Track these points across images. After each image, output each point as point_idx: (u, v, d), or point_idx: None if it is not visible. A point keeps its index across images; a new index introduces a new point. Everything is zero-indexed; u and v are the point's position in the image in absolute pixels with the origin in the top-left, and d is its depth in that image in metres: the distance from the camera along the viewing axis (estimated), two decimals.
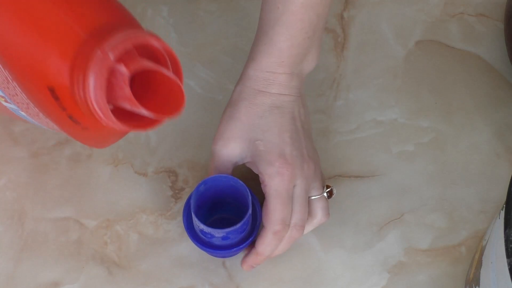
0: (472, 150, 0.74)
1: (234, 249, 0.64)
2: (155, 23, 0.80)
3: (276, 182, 0.62)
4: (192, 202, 0.63)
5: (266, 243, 0.64)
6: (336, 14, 0.81)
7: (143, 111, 0.49)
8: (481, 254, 0.59)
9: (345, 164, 0.73)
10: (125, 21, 0.51)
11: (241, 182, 0.64)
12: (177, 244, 0.69)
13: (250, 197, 0.63)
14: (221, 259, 0.69)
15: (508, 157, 0.74)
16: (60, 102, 0.50)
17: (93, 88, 0.47)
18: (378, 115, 0.76)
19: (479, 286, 0.58)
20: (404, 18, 0.82)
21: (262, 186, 0.64)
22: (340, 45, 0.79)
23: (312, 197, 0.66)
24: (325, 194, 0.67)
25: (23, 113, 0.60)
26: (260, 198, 0.69)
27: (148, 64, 0.48)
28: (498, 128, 0.75)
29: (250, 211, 0.63)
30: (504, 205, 0.51)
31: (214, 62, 0.79)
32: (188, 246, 0.69)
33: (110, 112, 0.48)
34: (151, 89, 0.50)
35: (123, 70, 0.47)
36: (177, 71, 0.50)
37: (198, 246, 0.65)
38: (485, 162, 0.74)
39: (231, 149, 0.64)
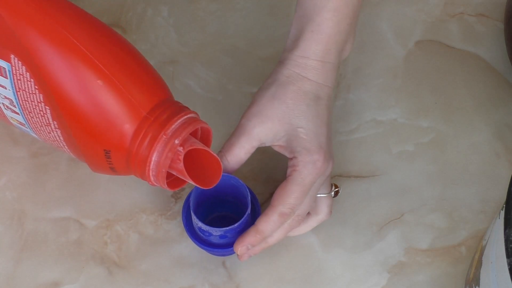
0: (472, 150, 0.74)
1: (231, 248, 0.64)
2: (155, 23, 0.80)
3: (307, 170, 0.62)
4: (191, 199, 0.63)
5: (269, 222, 0.63)
6: None
7: (191, 182, 0.59)
8: (481, 254, 0.59)
9: (345, 164, 0.73)
10: (168, 95, 0.61)
11: (241, 181, 0.64)
12: (177, 244, 0.69)
13: (249, 197, 0.63)
14: (221, 259, 0.69)
15: (508, 157, 0.74)
16: (110, 160, 0.60)
17: (155, 166, 0.59)
18: (378, 115, 0.76)
19: (479, 286, 0.58)
20: (404, 18, 0.82)
21: (289, 169, 0.63)
22: None
23: (320, 195, 0.66)
24: (332, 194, 0.67)
25: (33, 134, 0.66)
26: (261, 198, 0.69)
27: (199, 145, 0.59)
28: (498, 128, 0.75)
29: (249, 211, 0.63)
30: (504, 205, 0.51)
31: (214, 62, 0.79)
32: (188, 246, 0.69)
33: (165, 183, 0.60)
34: (194, 160, 0.61)
35: (180, 150, 0.58)
36: (207, 141, 0.62)
37: (196, 243, 0.65)
38: (485, 162, 0.74)
39: (267, 128, 0.63)
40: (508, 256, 0.50)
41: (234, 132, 0.64)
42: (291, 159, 0.63)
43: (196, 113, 0.61)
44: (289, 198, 0.63)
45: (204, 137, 0.62)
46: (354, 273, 0.68)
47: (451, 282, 0.68)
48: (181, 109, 0.60)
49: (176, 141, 0.58)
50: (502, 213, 0.52)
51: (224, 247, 0.65)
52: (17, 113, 0.63)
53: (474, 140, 0.75)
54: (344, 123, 0.75)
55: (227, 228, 0.62)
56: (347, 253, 0.69)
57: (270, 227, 0.63)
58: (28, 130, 0.65)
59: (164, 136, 0.58)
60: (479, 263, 0.59)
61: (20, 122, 0.64)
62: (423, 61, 0.79)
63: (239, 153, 0.64)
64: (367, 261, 0.69)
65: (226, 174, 0.64)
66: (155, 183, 0.60)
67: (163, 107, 0.59)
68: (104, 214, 0.70)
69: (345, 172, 0.73)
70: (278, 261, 0.69)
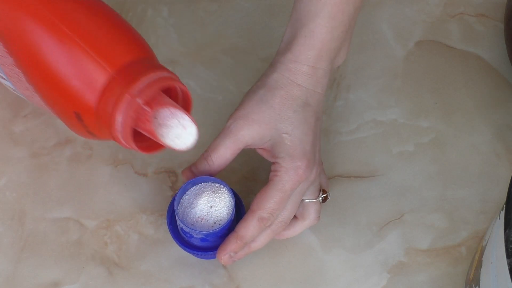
0: (472, 150, 0.74)
1: (211, 252, 0.64)
2: (155, 23, 0.80)
3: (288, 177, 0.62)
4: (176, 199, 0.63)
5: (249, 227, 0.63)
6: None
7: (162, 143, 0.56)
8: (481, 254, 0.59)
9: (345, 164, 0.73)
10: (146, 55, 0.58)
11: (228, 186, 0.64)
12: (177, 244, 0.69)
13: (234, 204, 0.63)
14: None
15: (508, 157, 0.74)
16: (83, 123, 0.57)
17: (121, 126, 0.55)
18: (378, 115, 0.76)
19: (479, 286, 0.58)
20: (404, 18, 0.82)
21: (271, 174, 0.63)
22: None
23: (307, 200, 0.66)
24: (320, 199, 0.66)
25: (8, 82, 0.64)
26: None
27: (169, 104, 0.56)
28: (498, 128, 0.75)
29: (231, 217, 0.63)
30: (504, 206, 0.51)
31: (214, 62, 0.79)
32: None
33: (133, 143, 0.56)
34: None
35: (148, 110, 0.55)
36: (187, 105, 0.59)
37: (177, 244, 0.65)
38: (485, 162, 0.74)
39: (253, 131, 0.63)
40: (508, 256, 0.50)
41: (220, 133, 0.64)
42: (274, 163, 0.63)
43: (173, 74, 0.58)
44: (268, 203, 0.62)
45: (185, 100, 0.59)
46: (354, 273, 0.68)
47: (451, 282, 0.68)
48: (154, 68, 0.57)
49: (139, 100, 0.54)
50: (502, 213, 0.52)
51: (204, 250, 0.65)
52: (5, 79, 0.62)
53: (474, 140, 0.75)
54: (344, 123, 0.75)
55: (208, 232, 0.62)
56: (347, 253, 0.69)
57: (250, 232, 0.63)
58: (23, 96, 0.63)
59: (128, 95, 0.54)
60: (479, 264, 0.59)
61: (11, 88, 0.63)
62: (423, 61, 0.79)
63: (224, 154, 0.64)
64: (367, 261, 0.69)
65: (214, 178, 0.64)
66: (127, 145, 0.57)
67: (136, 66, 0.56)
68: (104, 214, 0.70)
69: (345, 172, 0.73)
70: (278, 261, 0.69)
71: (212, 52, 0.79)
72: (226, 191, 0.64)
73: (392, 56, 0.79)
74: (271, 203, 0.62)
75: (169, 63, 0.78)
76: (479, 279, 0.58)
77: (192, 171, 0.65)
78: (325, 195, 0.67)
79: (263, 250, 0.67)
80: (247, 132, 0.63)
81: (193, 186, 0.64)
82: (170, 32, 0.80)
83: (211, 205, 0.64)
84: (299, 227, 0.67)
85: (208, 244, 0.64)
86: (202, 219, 0.63)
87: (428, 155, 0.74)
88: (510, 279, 0.49)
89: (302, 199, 0.65)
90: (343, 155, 0.74)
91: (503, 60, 0.79)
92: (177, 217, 0.63)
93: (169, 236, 0.69)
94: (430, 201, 0.72)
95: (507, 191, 0.52)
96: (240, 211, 0.66)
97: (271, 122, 0.63)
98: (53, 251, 0.69)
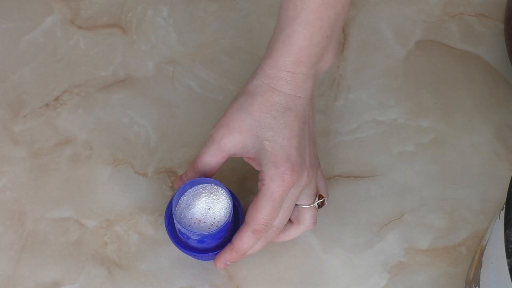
0: (472, 150, 0.74)
1: (209, 254, 0.64)
2: (155, 23, 0.80)
3: (275, 185, 0.62)
4: (173, 200, 0.63)
5: (244, 240, 0.63)
6: None
7: None
8: (481, 254, 0.59)
9: (345, 164, 0.73)
10: None
11: (226, 188, 0.64)
12: None
13: (232, 206, 0.63)
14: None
15: (508, 157, 0.74)
16: None
17: None
18: (378, 115, 0.76)
19: (479, 286, 0.58)
20: (404, 18, 0.82)
21: (259, 183, 0.63)
22: (340, 45, 0.79)
23: (303, 206, 0.65)
24: (316, 205, 0.66)
25: None
26: None
27: None
28: (498, 128, 0.75)
29: (228, 219, 0.63)
30: (504, 206, 0.51)
31: (214, 62, 0.79)
32: None
33: None
34: None
35: None
36: None
37: (175, 244, 0.65)
38: (485, 162, 0.74)
39: (234, 140, 0.63)
40: (508, 256, 0.50)
41: (206, 142, 0.65)
42: (260, 172, 0.63)
43: None
44: (260, 214, 0.62)
45: None
46: (354, 273, 0.68)
47: (451, 282, 0.68)
48: None
49: None
50: (502, 213, 0.52)
51: (201, 252, 0.65)
52: None
53: (474, 140, 0.75)
54: (344, 123, 0.75)
55: (205, 233, 0.62)
56: (347, 253, 0.69)
57: (245, 244, 0.63)
58: None
59: None
60: (479, 264, 0.59)
61: None
62: (423, 61, 0.79)
63: (209, 162, 0.64)
64: (367, 261, 0.69)
65: (212, 179, 0.64)
66: None
67: None
68: (104, 214, 0.70)
69: (345, 172, 0.73)
70: (278, 261, 0.69)
71: (212, 52, 0.79)
72: (224, 193, 0.64)
73: (392, 56, 0.79)
74: (263, 214, 0.62)
75: (169, 63, 0.78)
76: (479, 279, 0.58)
77: (183, 179, 0.66)
78: (321, 200, 0.66)
79: (263, 250, 0.67)
80: (229, 141, 0.63)
81: (191, 187, 0.64)
82: (170, 32, 0.80)
83: (209, 206, 0.63)
84: (294, 232, 0.67)
85: (205, 245, 0.64)
86: (199, 220, 0.63)
87: (428, 155, 0.74)
88: (510, 279, 0.49)
89: (297, 204, 0.65)
90: (343, 155, 0.74)
91: (503, 60, 0.79)
92: (174, 218, 0.63)
93: (169, 236, 0.69)
94: (430, 201, 0.72)
95: (507, 191, 0.51)
96: (238, 213, 0.66)
97: (252, 130, 0.63)
98: (53, 251, 0.69)
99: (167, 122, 0.75)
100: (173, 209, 0.63)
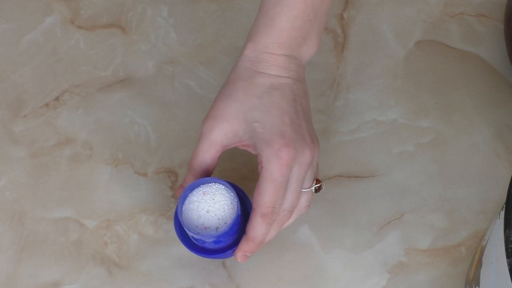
0: (472, 150, 0.74)
1: (229, 251, 0.63)
2: (155, 23, 0.80)
3: (273, 165, 0.60)
4: (177, 210, 0.62)
5: (256, 227, 0.61)
6: (336, 14, 0.81)
7: None
8: (481, 254, 0.59)
9: (345, 164, 0.73)
10: None
11: (229, 185, 0.63)
12: (177, 244, 0.69)
13: (236, 199, 0.62)
14: (221, 259, 0.69)
15: (508, 157, 0.74)
16: None
17: None
18: (378, 115, 0.76)
19: (479, 286, 0.58)
20: (404, 18, 0.82)
21: (258, 167, 0.61)
22: (340, 45, 0.79)
23: (301, 189, 0.63)
24: (313, 189, 0.65)
25: None
26: None
27: None
28: (498, 128, 0.75)
29: (237, 212, 0.62)
30: (504, 205, 0.51)
31: (214, 62, 0.79)
32: None
33: None
34: None
35: None
36: None
37: (194, 252, 0.64)
38: (485, 162, 0.74)
39: (224, 129, 0.62)
40: (508, 256, 0.50)
41: (198, 140, 0.63)
42: (258, 156, 0.61)
43: None
44: (264, 197, 0.60)
45: None
46: (354, 273, 0.68)
47: (451, 282, 0.68)
48: None
49: None
50: (502, 213, 0.52)
51: (221, 251, 0.64)
52: None
53: (474, 140, 0.75)
54: (344, 123, 0.75)
55: (218, 233, 0.61)
56: (347, 253, 0.69)
57: (258, 232, 0.62)
58: None
59: None
60: (479, 263, 0.59)
61: None
62: (423, 61, 0.79)
63: (204, 160, 0.63)
64: (367, 261, 0.69)
65: (213, 178, 0.63)
66: None
67: None
68: (104, 214, 0.70)
69: (345, 172, 0.73)
70: (278, 261, 0.69)
71: (212, 52, 0.79)
72: (221, 189, 0.62)
73: (392, 56, 0.79)
74: (267, 197, 0.60)
75: (169, 63, 0.78)
76: (479, 279, 0.58)
77: (183, 186, 0.64)
78: (318, 184, 0.65)
79: (263, 250, 0.67)
80: (218, 131, 0.62)
81: (191, 192, 0.63)
82: (170, 32, 0.80)
83: (207, 209, 0.62)
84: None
85: (223, 244, 0.63)
86: (203, 224, 0.62)
87: (428, 155, 0.74)
88: (510, 279, 0.49)
89: None
90: (343, 155, 0.74)
91: (503, 60, 0.79)
92: (184, 228, 0.62)
93: (169, 236, 0.69)
94: (430, 201, 0.72)
95: (507, 191, 0.51)
96: (246, 203, 0.65)
97: (239, 115, 0.61)
98: (53, 251, 0.69)
99: (167, 122, 0.75)
100: (180, 219, 0.62)
